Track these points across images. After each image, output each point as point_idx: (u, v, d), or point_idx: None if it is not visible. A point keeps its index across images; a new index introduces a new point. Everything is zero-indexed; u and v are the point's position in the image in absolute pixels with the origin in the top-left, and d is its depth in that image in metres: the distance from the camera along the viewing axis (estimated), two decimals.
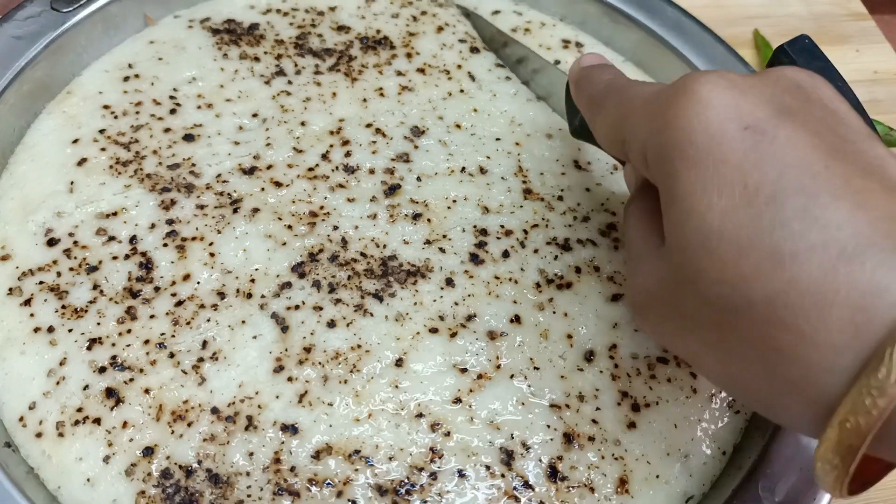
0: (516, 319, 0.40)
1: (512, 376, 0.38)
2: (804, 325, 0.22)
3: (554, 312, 0.40)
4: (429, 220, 0.43)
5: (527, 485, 0.35)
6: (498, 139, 0.48)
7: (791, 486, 0.35)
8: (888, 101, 0.55)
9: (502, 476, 0.35)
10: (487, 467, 0.35)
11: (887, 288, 0.21)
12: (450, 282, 0.41)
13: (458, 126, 0.48)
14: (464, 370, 0.38)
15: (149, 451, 0.35)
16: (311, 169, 0.45)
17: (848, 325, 0.21)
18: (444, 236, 0.43)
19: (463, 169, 0.46)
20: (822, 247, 0.22)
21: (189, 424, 0.36)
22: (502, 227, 0.43)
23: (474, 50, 0.53)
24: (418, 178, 0.45)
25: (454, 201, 0.44)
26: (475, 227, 0.43)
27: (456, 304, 0.40)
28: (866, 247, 0.21)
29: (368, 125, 0.47)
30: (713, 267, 0.24)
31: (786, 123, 0.24)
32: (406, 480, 0.35)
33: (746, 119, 0.25)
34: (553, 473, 0.36)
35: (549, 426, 0.37)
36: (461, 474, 0.35)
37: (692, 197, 0.25)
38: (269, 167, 0.45)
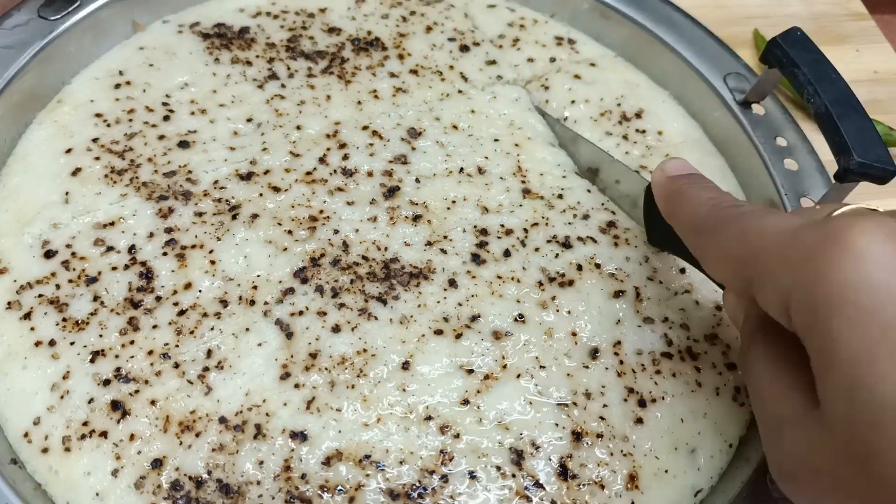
0: (520, 318, 0.40)
1: (519, 376, 0.38)
2: None
3: (557, 310, 0.40)
4: (429, 221, 0.43)
5: (538, 484, 0.35)
6: (496, 140, 0.48)
7: None
8: (888, 101, 0.55)
9: (513, 476, 0.35)
10: (498, 468, 0.36)
11: None
12: (452, 283, 0.41)
13: (455, 127, 0.48)
14: (470, 371, 0.38)
15: (158, 463, 0.35)
16: (308, 173, 0.44)
17: None
18: (445, 237, 0.43)
19: (461, 170, 0.46)
20: None
21: (197, 435, 0.35)
22: (502, 226, 0.43)
23: (464, 48, 0.53)
24: (417, 180, 0.45)
25: (453, 202, 0.44)
26: (475, 227, 0.43)
27: (460, 304, 0.40)
28: None
29: (365, 127, 0.47)
30: (890, 447, 0.21)
31: None
32: (417, 484, 0.35)
33: None
34: (563, 472, 0.36)
35: (557, 425, 0.37)
36: (472, 476, 0.35)
37: (858, 365, 0.22)
38: (266, 172, 0.44)
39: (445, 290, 0.41)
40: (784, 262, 0.25)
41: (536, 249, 0.43)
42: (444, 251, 0.42)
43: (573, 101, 0.51)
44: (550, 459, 0.36)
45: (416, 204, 0.44)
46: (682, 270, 0.43)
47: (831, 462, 0.24)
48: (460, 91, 0.50)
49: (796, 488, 0.27)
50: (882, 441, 0.21)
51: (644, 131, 0.50)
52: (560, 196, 0.45)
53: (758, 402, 0.28)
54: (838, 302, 0.23)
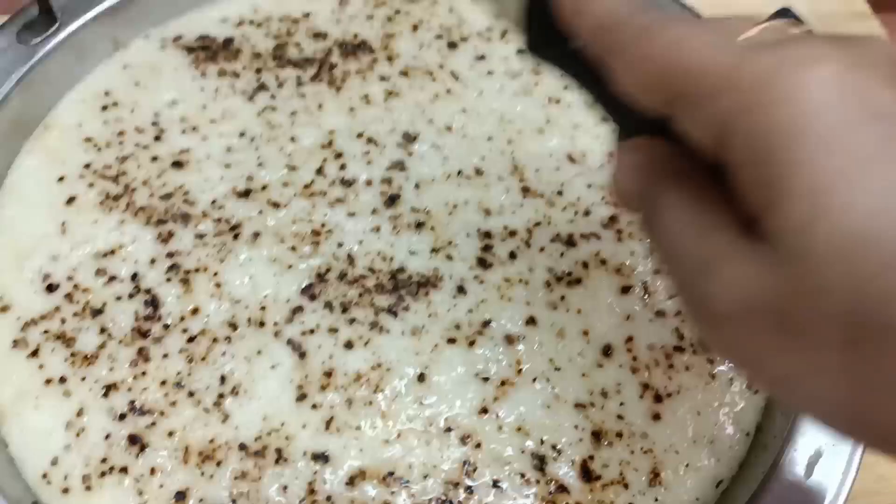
0: (531, 321, 0.40)
1: (534, 379, 0.38)
2: None
3: (567, 310, 0.40)
4: (432, 227, 0.43)
5: (562, 488, 0.36)
6: (490, 138, 0.47)
7: (821, 461, 0.36)
8: None
9: (537, 482, 0.36)
10: (522, 475, 0.36)
11: None
12: (461, 289, 0.41)
13: (449, 129, 0.47)
14: (486, 378, 0.38)
15: (181, 496, 0.34)
16: (307, 186, 0.44)
17: None
18: (450, 243, 0.42)
19: (459, 172, 0.45)
20: None
21: (218, 464, 0.35)
22: (505, 227, 0.43)
23: (451, 45, 0.52)
24: (416, 186, 0.44)
25: (455, 206, 0.44)
26: (479, 230, 0.43)
27: (470, 311, 0.40)
28: None
29: (359, 135, 0.46)
30: (853, 279, 0.20)
31: None
32: (444, 498, 0.35)
33: (875, 105, 0.21)
34: (586, 474, 0.36)
35: (576, 426, 0.37)
36: (496, 485, 0.35)
37: (820, 194, 0.21)
38: (263, 188, 0.44)
39: (455, 297, 0.40)
40: (729, 84, 0.23)
41: (542, 249, 0.42)
42: (450, 257, 0.42)
43: (565, 87, 0.51)
44: (573, 462, 0.36)
45: (418, 211, 0.43)
46: None
47: (776, 297, 0.22)
48: (448, 91, 0.49)
49: (724, 326, 0.25)
50: (842, 271, 0.20)
51: None
52: (560, 192, 0.45)
53: (670, 251, 0.26)
54: (800, 128, 0.21)
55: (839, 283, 0.20)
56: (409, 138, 0.47)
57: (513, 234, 0.43)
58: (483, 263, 0.42)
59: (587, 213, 0.44)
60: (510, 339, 0.39)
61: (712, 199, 0.24)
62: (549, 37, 0.30)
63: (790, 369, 0.23)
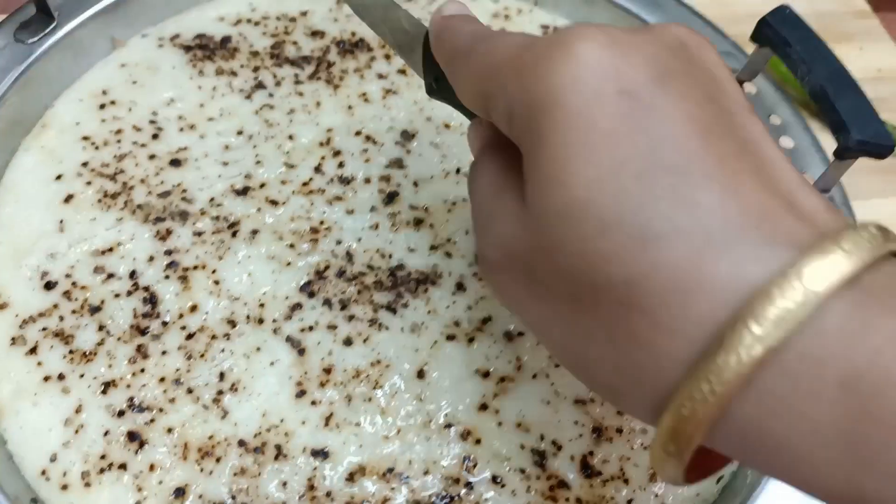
0: None
1: (534, 376, 0.38)
2: (661, 312, 0.21)
3: None
4: (431, 224, 0.43)
5: (562, 484, 0.36)
6: None
7: None
8: (892, 99, 0.55)
9: (537, 478, 0.36)
10: (522, 471, 0.36)
11: (746, 279, 0.20)
12: (460, 286, 0.41)
13: (447, 126, 0.47)
14: (486, 374, 0.38)
15: (180, 492, 0.34)
16: (305, 184, 0.44)
17: (706, 317, 0.20)
18: (449, 240, 0.42)
19: (458, 170, 0.45)
20: (688, 232, 0.20)
21: (217, 460, 0.35)
22: None
23: None
24: (415, 184, 0.44)
25: (454, 204, 0.44)
26: None
27: (469, 308, 0.40)
28: (735, 236, 0.20)
29: (357, 133, 0.46)
30: (574, 240, 0.22)
31: (666, 90, 0.22)
32: (444, 493, 0.35)
33: (624, 82, 0.22)
34: (586, 469, 0.36)
35: (576, 422, 0.37)
36: (497, 481, 0.35)
37: (557, 163, 0.23)
38: (262, 186, 0.44)
39: (454, 294, 0.40)
40: (514, 71, 0.25)
41: None
42: (448, 254, 0.42)
43: None
44: (573, 458, 0.36)
45: (417, 208, 0.43)
46: None
47: (527, 253, 0.25)
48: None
49: (494, 279, 0.28)
50: (567, 232, 0.22)
51: None
52: None
53: (475, 207, 0.29)
54: (551, 104, 0.23)
55: (566, 243, 0.23)
56: (408, 136, 0.47)
57: None
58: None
59: None
60: (510, 336, 0.39)
61: (512, 169, 0.26)
62: (438, 77, 0.35)
63: (538, 315, 0.26)
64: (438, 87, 0.37)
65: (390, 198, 0.44)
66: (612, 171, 0.22)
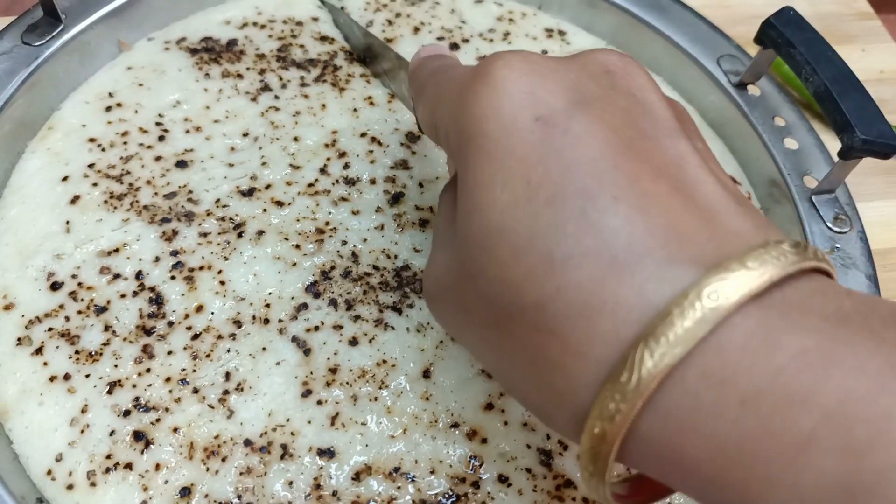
0: None
1: None
2: (570, 334, 0.21)
3: None
4: None
5: (569, 483, 0.35)
6: None
7: None
8: (895, 101, 0.55)
9: (544, 478, 0.35)
10: (528, 470, 0.35)
11: (648, 299, 0.20)
12: None
13: None
14: (491, 375, 0.38)
15: (186, 492, 0.34)
16: (310, 185, 0.44)
17: (610, 338, 0.20)
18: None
19: None
20: (594, 254, 0.20)
21: (223, 459, 0.35)
22: None
23: (454, 47, 0.53)
24: (420, 185, 0.44)
25: None
26: None
27: None
28: (639, 257, 0.20)
29: (363, 134, 0.46)
30: (491, 266, 0.23)
31: (581, 115, 0.22)
32: (450, 492, 0.35)
33: (540, 109, 0.23)
34: None
35: None
36: (503, 480, 0.35)
37: (477, 190, 0.23)
38: (267, 187, 0.44)
39: None
40: (448, 101, 0.26)
41: None
42: None
43: None
44: (579, 457, 0.36)
45: (422, 209, 0.43)
46: None
47: (455, 281, 0.25)
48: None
49: (434, 307, 0.29)
50: (485, 258, 0.23)
51: None
52: None
53: (434, 228, 0.31)
54: (474, 132, 0.24)
55: (485, 269, 0.23)
56: (413, 138, 0.47)
57: None
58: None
59: None
60: None
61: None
62: None
63: (472, 342, 0.27)
64: None
65: (395, 198, 0.44)
66: (526, 197, 0.22)
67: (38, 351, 0.38)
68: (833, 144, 0.44)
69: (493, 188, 0.23)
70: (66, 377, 0.37)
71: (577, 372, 0.21)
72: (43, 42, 0.46)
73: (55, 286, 0.40)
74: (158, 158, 0.45)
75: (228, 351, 0.38)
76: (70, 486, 0.34)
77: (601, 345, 0.20)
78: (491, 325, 0.24)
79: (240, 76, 0.49)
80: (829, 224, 0.44)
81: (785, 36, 0.44)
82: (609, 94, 0.24)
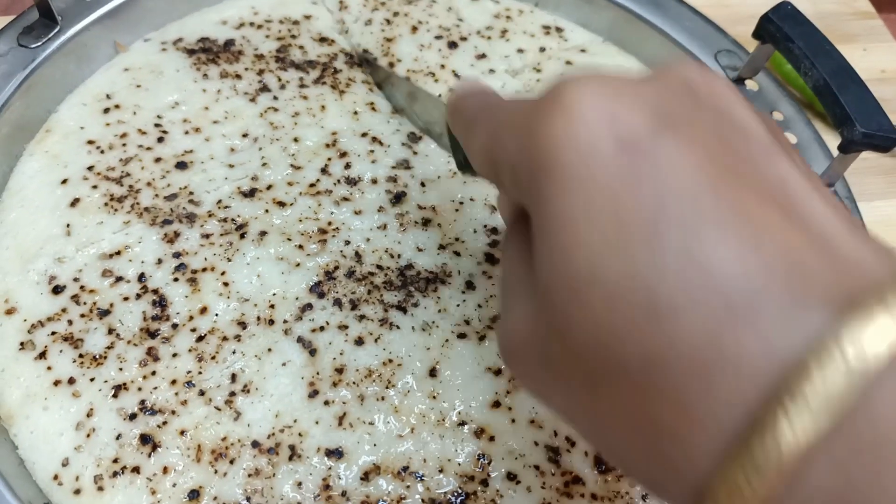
0: None
1: None
2: (684, 396, 0.18)
3: None
4: (439, 224, 0.43)
5: (577, 479, 0.35)
6: None
7: None
8: (895, 100, 0.55)
9: (552, 474, 0.35)
10: (536, 467, 0.36)
11: (776, 351, 0.17)
12: (470, 284, 0.41)
13: None
14: (498, 372, 0.38)
15: (194, 494, 0.34)
16: (312, 185, 0.44)
17: (735, 399, 0.17)
18: (457, 239, 0.42)
19: None
20: (706, 300, 0.18)
21: (231, 461, 0.35)
22: None
23: (452, 45, 0.53)
24: (422, 184, 0.44)
25: (461, 203, 0.44)
26: (486, 226, 0.43)
27: (479, 306, 0.40)
28: (758, 299, 0.17)
29: (364, 134, 0.46)
30: (583, 318, 0.20)
31: (668, 136, 0.20)
32: (459, 490, 0.35)
33: (621, 131, 0.20)
34: (601, 465, 0.36)
35: None
36: (511, 478, 0.35)
37: (559, 229, 0.20)
38: (269, 187, 0.44)
39: (464, 292, 0.40)
40: (513, 132, 0.24)
41: None
42: (457, 253, 0.42)
43: None
44: (587, 454, 0.36)
45: (425, 208, 0.43)
46: None
47: (540, 337, 0.22)
48: (451, 90, 0.49)
49: (516, 367, 0.25)
50: (575, 309, 0.20)
51: None
52: None
53: (502, 281, 0.27)
54: (548, 163, 0.21)
55: (576, 321, 0.20)
56: (415, 138, 0.47)
57: None
58: (491, 259, 0.42)
59: None
60: None
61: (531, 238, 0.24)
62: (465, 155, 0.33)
63: (561, 404, 0.23)
64: (466, 163, 0.35)
65: (398, 198, 0.44)
66: (617, 235, 0.19)
67: (42, 355, 0.37)
68: (832, 141, 0.44)
69: (578, 226, 0.20)
70: (71, 381, 0.37)
71: (696, 440, 0.18)
72: (39, 44, 0.46)
73: (57, 290, 0.39)
74: (158, 160, 0.44)
75: (234, 352, 0.38)
76: (77, 491, 0.34)
77: (724, 408, 0.17)
78: (585, 386, 0.21)
79: (238, 77, 0.49)
80: None
81: (783, 30, 0.44)
82: (695, 113, 0.21)
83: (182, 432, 0.35)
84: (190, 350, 0.38)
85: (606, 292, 0.19)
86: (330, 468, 0.35)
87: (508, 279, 0.26)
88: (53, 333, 0.38)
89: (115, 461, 0.35)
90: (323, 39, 0.52)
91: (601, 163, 0.20)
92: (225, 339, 0.38)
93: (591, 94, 0.21)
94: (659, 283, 0.18)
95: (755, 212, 0.19)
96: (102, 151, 0.45)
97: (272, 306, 0.39)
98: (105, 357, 0.37)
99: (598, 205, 0.20)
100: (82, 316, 0.39)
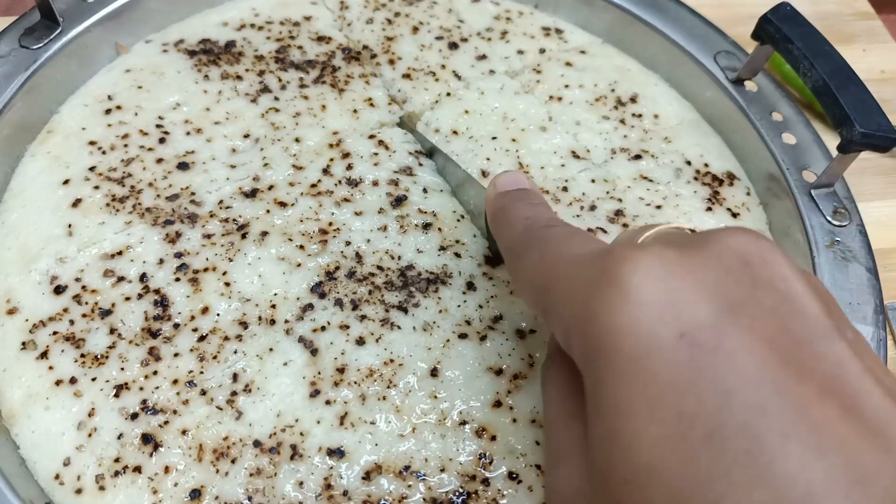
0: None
1: None
2: None
3: None
4: (439, 228, 0.43)
5: None
6: (494, 138, 0.48)
7: None
8: (895, 101, 0.56)
9: None
10: (538, 466, 0.36)
11: None
12: (471, 285, 0.41)
13: (455, 133, 0.48)
14: (499, 372, 0.38)
15: (196, 494, 0.34)
16: (313, 185, 0.44)
17: None
18: (458, 241, 0.42)
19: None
20: None
21: (233, 461, 0.35)
22: None
23: (452, 46, 0.53)
24: (424, 190, 0.44)
25: (462, 216, 0.44)
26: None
27: (480, 307, 0.40)
28: None
29: (371, 137, 0.46)
30: None
31: (730, 328, 0.20)
32: (461, 490, 0.35)
33: (684, 323, 0.20)
34: None
35: None
36: (513, 477, 0.35)
37: (618, 416, 0.21)
38: (270, 188, 0.44)
39: (464, 293, 0.40)
40: (566, 297, 0.24)
41: None
42: (458, 255, 0.42)
43: (567, 86, 0.51)
44: None
45: (425, 213, 0.43)
46: None
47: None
48: (448, 94, 0.50)
49: None
50: (632, 498, 0.20)
51: (640, 115, 0.50)
52: (565, 188, 0.45)
53: (546, 422, 0.27)
54: (606, 347, 0.21)
55: None
56: (421, 153, 0.47)
57: None
58: (491, 261, 0.42)
59: (593, 207, 0.45)
60: (521, 334, 0.39)
61: (579, 388, 0.24)
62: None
63: None
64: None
65: (398, 201, 0.44)
66: (679, 432, 0.19)
67: (44, 355, 0.37)
68: (831, 141, 0.44)
69: (638, 418, 0.20)
70: (73, 381, 0.37)
71: None
72: (41, 45, 0.46)
73: (59, 290, 0.39)
74: (160, 161, 0.44)
75: (235, 352, 0.38)
76: (79, 491, 0.34)
77: None
78: None
79: (239, 78, 0.49)
80: (828, 218, 0.44)
81: (782, 31, 0.44)
82: (753, 293, 0.21)
83: (184, 432, 0.36)
84: (191, 350, 0.38)
85: (668, 488, 0.19)
86: (331, 468, 0.35)
87: (556, 432, 0.26)
88: (55, 333, 0.38)
89: (117, 461, 0.35)
90: (321, 38, 0.52)
91: (663, 356, 0.20)
92: (226, 338, 0.38)
93: (651, 277, 0.21)
94: (722, 486, 0.18)
95: (816, 411, 0.19)
96: (104, 152, 0.45)
97: (273, 306, 0.39)
98: (107, 357, 0.37)
99: (661, 399, 0.20)
100: (84, 316, 0.39)
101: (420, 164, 0.46)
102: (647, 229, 0.26)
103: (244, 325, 0.39)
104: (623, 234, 0.28)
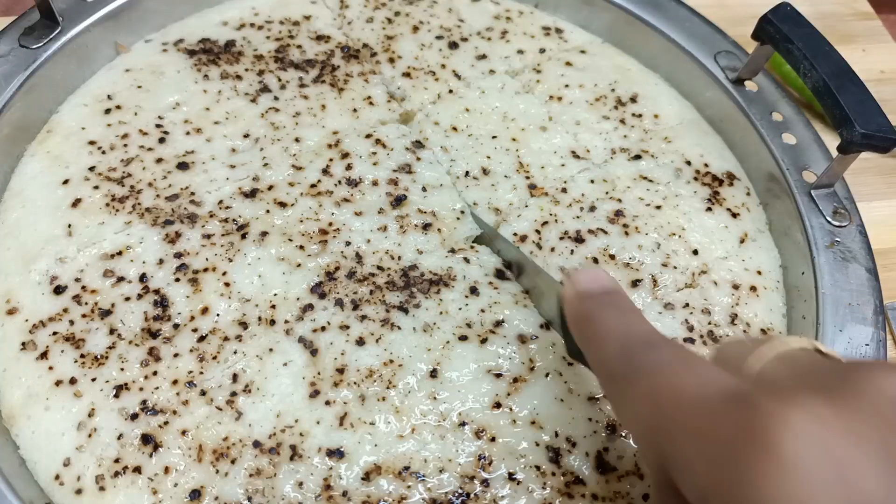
0: (546, 326, 0.40)
1: (547, 374, 0.38)
2: None
3: None
4: (439, 229, 0.43)
5: (578, 480, 0.36)
6: (494, 137, 0.47)
7: None
8: (895, 101, 0.56)
9: (553, 475, 0.36)
10: (537, 467, 0.36)
11: None
12: (474, 290, 0.41)
13: (455, 129, 0.48)
14: (499, 375, 0.38)
15: (196, 494, 0.34)
16: (313, 185, 0.44)
17: None
18: (472, 247, 0.43)
19: (467, 173, 0.45)
20: None
21: (233, 461, 0.35)
22: (515, 234, 0.43)
23: (452, 45, 0.53)
24: (423, 189, 0.44)
25: (462, 212, 0.44)
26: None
27: (482, 311, 0.40)
28: None
29: (368, 136, 0.46)
30: None
31: None
32: (460, 491, 0.35)
33: (852, 496, 0.19)
34: (601, 465, 0.36)
35: (590, 419, 0.37)
36: (512, 478, 0.35)
37: None
38: (270, 188, 0.44)
39: (467, 297, 0.40)
40: (698, 453, 0.21)
41: (552, 249, 0.43)
42: (467, 260, 0.42)
43: (567, 86, 0.51)
44: (587, 454, 0.36)
45: (425, 212, 0.43)
46: (695, 252, 0.43)
47: None
48: (450, 91, 0.50)
49: None
50: None
51: (640, 115, 0.50)
52: (564, 190, 0.45)
53: None
54: None
55: None
56: (419, 145, 0.47)
57: (524, 238, 0.43)
58: (501, 275, 0.42)
59: (593, 208, 0.45)
60: (523, 339, 0.39)
61: None
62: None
63: None
64: (579, 351, 0.32)
65: (398, 201, 0.44)
66: None
67: (43, 355, 0.37)
68: (831, 142, 0.44)
69: None
70: (72, 381, 0.37)
71: None
72: (40, 45, 0.46)
73: (58, 290, 0.39)
74: (159, 160, 0.44)
75: (235, 352, 0.38)
76: (79, 491, 0.34)
77: None
78: None
79: (238, 77, 0.49)
80: (828, 218, 0.44)
81: (782, 31, 0.44)
82: None
83: (183, 432, 0.36)
84: (191, 350, 0.38)
85: None
86: (331, 468, 0.35)
87: None
88: (55, 334, 0.38)
89: (117, 461, 0.35)
90: (321, 37, 0.52)
91: None
92: (226, 339, 0.38)
93: (809, 441, 0.19)
94: None
95: None
96: (104, 152, 0.45)
97: (273, 306, 0.39)
98: (106, 357, 0.37)
99: None
100: (84, 316, 0.39)
101: (418, 160, 0.46)
102: (762, 345, 0.24)
103: (244, 325, 0.39)
104: (732, 347, 0.25)
